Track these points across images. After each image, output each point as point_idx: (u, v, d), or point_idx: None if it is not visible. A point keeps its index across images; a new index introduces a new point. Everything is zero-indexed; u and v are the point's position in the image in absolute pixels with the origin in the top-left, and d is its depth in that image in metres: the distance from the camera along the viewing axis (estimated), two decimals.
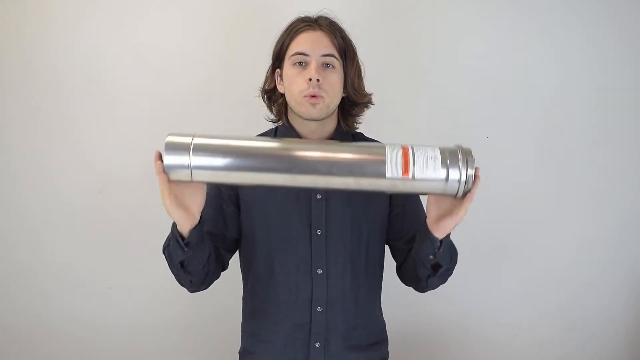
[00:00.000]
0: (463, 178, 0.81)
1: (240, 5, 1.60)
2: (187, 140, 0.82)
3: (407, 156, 0.81)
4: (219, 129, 1.54)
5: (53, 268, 1.67)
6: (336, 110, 1.06)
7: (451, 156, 0.82)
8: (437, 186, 0.82)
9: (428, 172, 0.81)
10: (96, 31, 1.59)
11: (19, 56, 1.59)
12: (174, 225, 0.91)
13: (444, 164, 0.81)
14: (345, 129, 1.09)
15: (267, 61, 1.10)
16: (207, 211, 1.06)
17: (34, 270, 1.68)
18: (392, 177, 0.81)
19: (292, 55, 1.00)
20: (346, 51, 1.03)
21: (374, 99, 1.10)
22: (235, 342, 1.17)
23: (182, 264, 0.94)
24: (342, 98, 1.05)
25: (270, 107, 1.12)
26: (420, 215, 1.09)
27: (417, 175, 0.81)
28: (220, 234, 1.07)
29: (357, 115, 1.10)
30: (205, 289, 1.05)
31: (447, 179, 0.81)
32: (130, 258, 1.67)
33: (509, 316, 1.74)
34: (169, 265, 0.98)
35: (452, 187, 0.82)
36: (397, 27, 1.63)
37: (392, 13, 1.62)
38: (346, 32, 1.05)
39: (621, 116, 1.68)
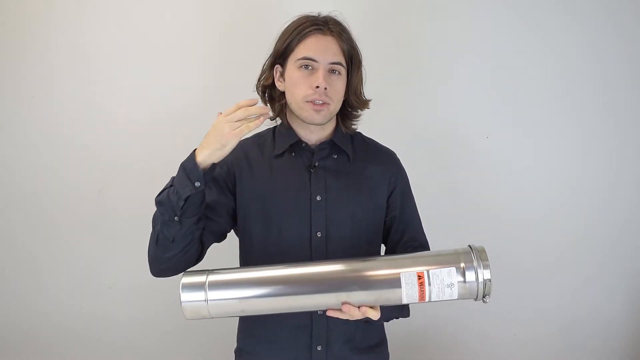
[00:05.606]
0: (480, 299, 0.89)
1: (243, 4, 1.60)
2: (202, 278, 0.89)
3: (422, 287, 0.85)
4: None
5: (53, 267, 1.68)
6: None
7: (470, 287, 0.87)
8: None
9: (444, 297, 0.86)
10: (96, 31, 1.59)
11: (18, 56, 1.59)
12: (192, 163, 0.89)
13: (462, 287, 0.86)
14: (344, 131, 1.09)
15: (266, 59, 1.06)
16: (208, 193, 1.01)
17: (33, 269, 1.68)
18: (409, 302, 0.88)
19: (299, 59, 0.98)
20: (352, 58, 1.03)
21: (374, 99, 1.11)
22: (233, 341, 1.17)
23: (173, 238, 0.94)
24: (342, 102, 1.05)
25: (265, 102, 1.10)
26: (413, 220, 1.12)
27: (434, 300, 0.87)
28: (214, 218, 1.03)
29: (355, 118, 1.11)
30: (171, 275, 1.02)
31: (463, 296, 0.88)
32: (130, 258, 1.66)
33: (509, 316, 1.74)
34: (156, 224, 0.97)
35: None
36: (397, 27, 1.63)
37: (392, 12, 1.62)
38: (354, 38, 1.04)
39: (620, 116, 1.69)
